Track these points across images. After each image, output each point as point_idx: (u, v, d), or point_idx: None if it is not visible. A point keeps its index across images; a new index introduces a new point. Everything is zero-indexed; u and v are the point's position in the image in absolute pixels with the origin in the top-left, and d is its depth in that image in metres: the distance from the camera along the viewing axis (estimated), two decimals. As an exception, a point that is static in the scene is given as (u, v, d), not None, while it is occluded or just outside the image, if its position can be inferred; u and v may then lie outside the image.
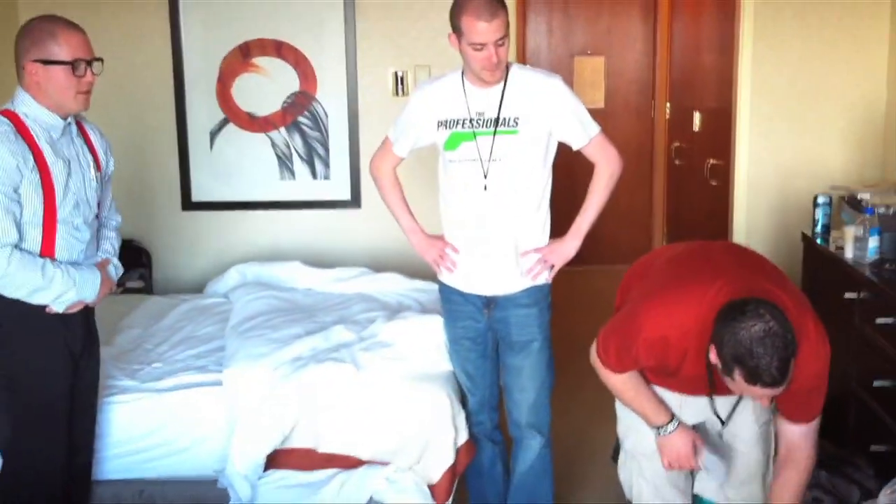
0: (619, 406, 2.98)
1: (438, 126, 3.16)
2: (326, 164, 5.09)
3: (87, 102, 2.84)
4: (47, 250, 2.78)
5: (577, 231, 3.24)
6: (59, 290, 2.78)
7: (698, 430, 2.84)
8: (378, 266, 4.73)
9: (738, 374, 2.32)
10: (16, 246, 2.70)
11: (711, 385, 2.52)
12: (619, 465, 3.06)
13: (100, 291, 2.93)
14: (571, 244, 3.23)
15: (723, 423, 2.75)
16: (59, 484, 2.96)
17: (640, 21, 7.26)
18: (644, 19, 7.24)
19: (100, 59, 2.83)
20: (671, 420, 2.73)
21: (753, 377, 2.28)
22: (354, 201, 5.10)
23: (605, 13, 7.25)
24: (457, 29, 3.01)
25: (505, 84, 3.09)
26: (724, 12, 5.05)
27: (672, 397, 2.80)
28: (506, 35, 2.98)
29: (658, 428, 2.73)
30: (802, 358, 2.35)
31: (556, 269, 3.25)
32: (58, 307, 2.81)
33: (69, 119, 2.85)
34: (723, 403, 2.76)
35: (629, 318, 2.64)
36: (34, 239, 2.76)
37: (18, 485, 2.90)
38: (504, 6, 2.99)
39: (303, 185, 5.10)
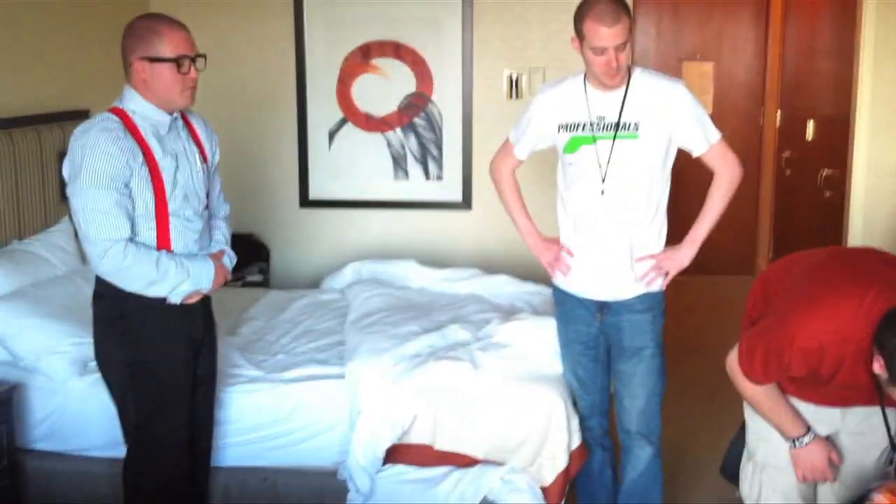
0: (749, 416, 2.93)
1: (559, 129, 3.19)
2: (439, 165, 5.18)
3: (192, 98, 2.91)
4: (163, 243, 2.88)
5: (694, 239, 3.22)
6: (174, 281, 2.86)
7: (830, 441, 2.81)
8: (488, 267, 4.80)
9: None
10: (130, 240, 2.79)
11: (879, 393, 2.45)
12: (743, 476, 3.00)
13: (215, 281, 3.01)
14: (687, 252, 3.22)
15: (893, 447, 2.66)
16: (184, 467, 3.08)
17: (750, 25, 7.16)
18: (755, 23, 7.13)
19: (203, 56, 2.89)
20: (807, 432, 2.70)
21: None
22: (466, 203, 5.18)
23: (716, 16, 7.17)
24: (579, 33, 3.04)
25: (627, 88, 3.11)
26: (842, 17, 4.98)
27: (806, 409, 2.76)
28: (627, 41, 3.00)
29: (794, 440, 2.71)
30: None
31: (671, 276, 3.25)
32: (175, 298, 2.90)
33: (175, 114, 2.93)
34: (853, 416, 2.75)
35: (778, 327, 2.56)
36: (149, 232, 2.85)
37: (145, 468, 3.02)
38: (627, 12, 3.01)
39: (416, 185, 5.21)
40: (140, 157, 2.78)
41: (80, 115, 4.39)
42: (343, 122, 5.18)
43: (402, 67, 5.12)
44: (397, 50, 5.10)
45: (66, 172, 2.84)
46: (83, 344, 3.46)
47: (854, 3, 4.79)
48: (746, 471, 2.99)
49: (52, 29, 4.26)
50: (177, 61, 2.81)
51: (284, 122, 5.22)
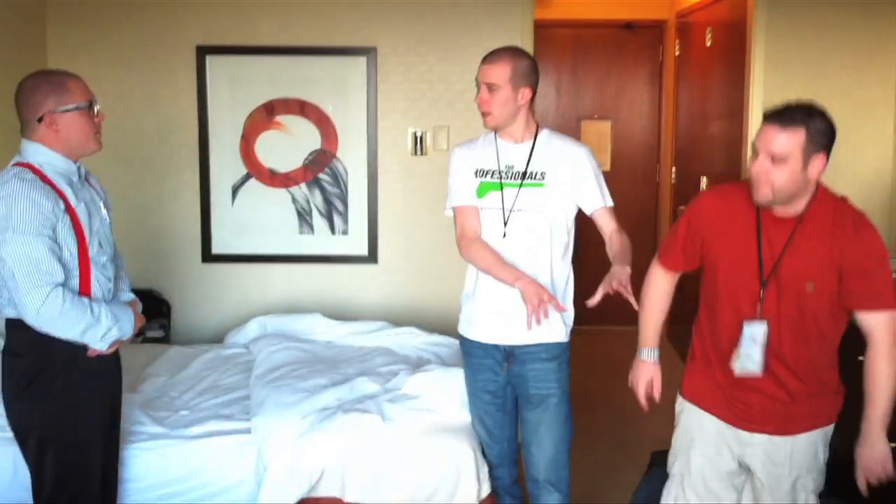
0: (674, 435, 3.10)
1: (475, 174, 3.30)
2: (345, 220, 5.20)
3: (101, 141, 2.96)
4: (84, 290, 2.86)
5: (622, 259, 3.15)
6: (106, 326, 2.84)
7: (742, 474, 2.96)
8: (393, 320, 4.83)
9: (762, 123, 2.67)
10: (63, 285, 2.76)
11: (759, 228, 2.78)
12: (665, 491, 3.11)
13: (133, 327, 2.98)
14: (622, 268, 3.10)
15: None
16: None
17: (646, 87, 7.42)
18: (650, 85, 7.40)
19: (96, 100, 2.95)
20: (650, 349, 3.09)
21: (765, 115, 2.65)
22: (371, 256, 5.20)
23: (613, 78, 7.41)
24: None
25: (534, 142, 3.25)
26: (731, 80, 5.22)
27: (713, 429, 2.93)
28: (501, 87, 3.16)
29: (641, 349, 3.11)
30: (860, 241, 2.67)
31: (626, 285, 3.06)
32: (102, 345, 2.87)
33: (78, 164, 2.94)
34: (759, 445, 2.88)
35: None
36: (73, 280, 2.83)
37: None
38: (512, 61, 3.17)
39: (321, 240, 5.21)
40: (61, 205, 2.78)
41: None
42: (247, 177, 5.17)
43: (307, 125, 5.14)
44: (302, 107, 5.12)
45: None
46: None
47: (742, 67, 5.03)
48: (666, 485, 3.11)
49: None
50: (88, 107, 2.87)
51: (186, 177, 5.17)
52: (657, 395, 3.07)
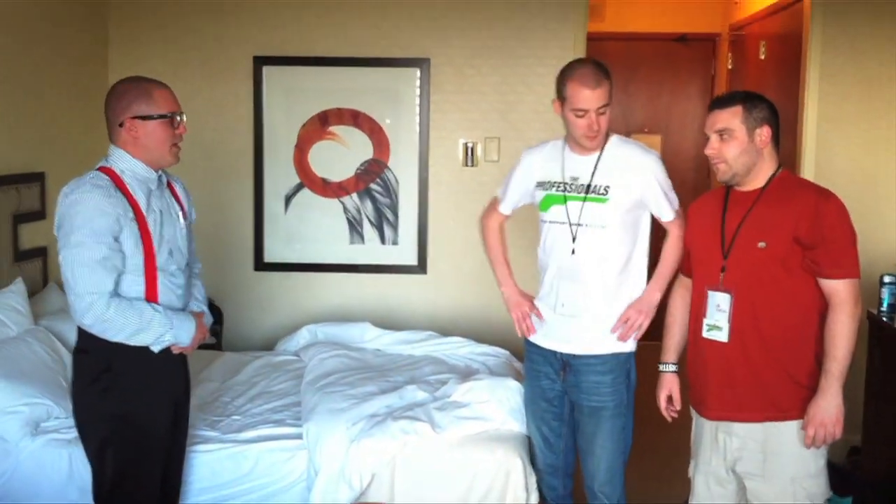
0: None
1: (536, 186, 3.30)
2: (395, 230, 5.23)
3: (179, 155, 3.00)
4: (150, 297, 2.92)
5: (657, 280, 3.28)
6: (158, 331, 2.88)
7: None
8: (442, 330, 4.85)
9: None
10: (115, 294, 2.81)
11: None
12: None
13: (194, 338, 3.02)
14: (654, 294, 3.26)
15: None
16: None
17: (698, 100, 7.38)
18: (702, 99, 7.35)
19: (183, 113, 3.01)
20: (667, 364, 3.16)
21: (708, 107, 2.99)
22: (420, 267, 5.23)
23: (665, 91, 7.39)
24: (561, 95, 3.15)
25: (601, 152, 3.21)
26: (785, 93, 5.16)
27: (708, 434, 2.99)
28: (608, 104, 3.13)
29: (661, 363, 3.18)
30: (819, 211, 2.74)
31: (643, 323, 3.25)
32: (155, 348, 2.92)
33: (160, 172, 3.00)
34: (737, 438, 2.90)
35: None
36: (138, 287, 2.88)
37: None
38: (608, 76, 3.14)
39: (371, 250, 5.25)
40: (130, 214, 2.84)
41: (36, 178, 4.38)
42: (300, 186, 5.23)
43: (360, 135, 5.19)
44: (355, 118, 5.17)
45: (56, 227, 2.85)
46: (36, 404, 3.44)
47: (798, 81, 4.98)
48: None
49: (9, 94, 4.26)
50: (170, 117, 2.91)
51: (241, 186, 5.24)
52: (676, 405, 3.16)
